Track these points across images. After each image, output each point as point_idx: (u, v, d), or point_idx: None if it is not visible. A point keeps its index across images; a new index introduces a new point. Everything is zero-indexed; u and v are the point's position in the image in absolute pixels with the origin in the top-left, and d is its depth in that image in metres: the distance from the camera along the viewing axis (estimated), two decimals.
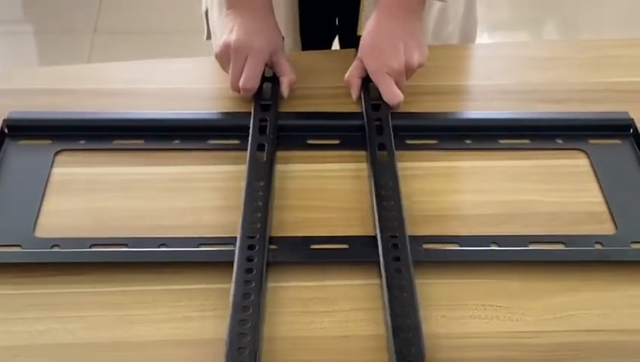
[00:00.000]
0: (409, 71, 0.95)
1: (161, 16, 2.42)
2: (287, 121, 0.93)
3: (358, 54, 0.97)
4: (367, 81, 0.97)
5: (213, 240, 0.80)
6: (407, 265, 0.76)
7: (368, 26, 0.97)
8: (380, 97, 0.95)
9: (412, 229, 0.81)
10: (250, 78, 0.94)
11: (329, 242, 0.80)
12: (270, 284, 0.76)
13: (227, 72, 0.95)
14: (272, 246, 0.79)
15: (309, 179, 0.87)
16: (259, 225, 0.79)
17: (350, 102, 0.96)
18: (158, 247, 0.78)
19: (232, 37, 0.94)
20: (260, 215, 0.80)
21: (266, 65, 0.96)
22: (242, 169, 0.86)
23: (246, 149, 0.88)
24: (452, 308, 0.75)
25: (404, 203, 0.82)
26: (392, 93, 0.94)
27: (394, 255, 0.77)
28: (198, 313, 0.74)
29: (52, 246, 0.79)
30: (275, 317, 0.74)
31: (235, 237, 0.78)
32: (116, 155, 0.90)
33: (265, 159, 0.87)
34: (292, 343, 0.72)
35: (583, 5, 2.63)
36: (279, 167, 0.88)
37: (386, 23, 0.96)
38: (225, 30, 0.96)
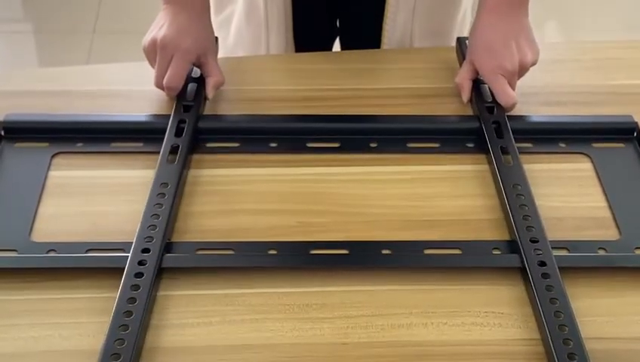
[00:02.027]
0: (522, 70, 0.93)
1: None
2: (289, 124, 0.92)
3: (468, 56, 0.96)
4: (477, 83, 0.96)
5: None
6: (554, 271, 0.75)
7: (476, 26, 0.96)
8: (493, 99, 0.94)
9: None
10: (173, 77, 0.92)
11: (329, 247, 0.79)
12: (269, 290, 0.75)
13: (153, 67, 0.94)
14: (272, 252, 0.78)
15: (309, 183, 0.86)
16: (157, 229, 0.78)
17: (349, 105, 0.95)
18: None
19: (161, 33, 0.93)
20: (160, 218, 0.79)
21: (195, 65, 0.95)
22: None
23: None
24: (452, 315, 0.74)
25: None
26: (506, 95, 0.92)
27: (539, 260, 0.76)
28: (202, 319, 0.73)
29: (48, 251, 0.78)
30: (275, 324, 0.72)
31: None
32: (114, 158, 0.88)
33: (176, 162, 0.85)
34: (292, 349, 0.71)
35: (584, 7, 2.62)
36: (281, 170, 0.87)
37: (495, 21, 0.94)
38: (156, 25, 0.95)
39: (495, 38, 0.94)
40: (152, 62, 0.95)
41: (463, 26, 1.14)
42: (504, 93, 0.92)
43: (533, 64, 0.95)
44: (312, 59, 1.04)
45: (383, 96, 0.97)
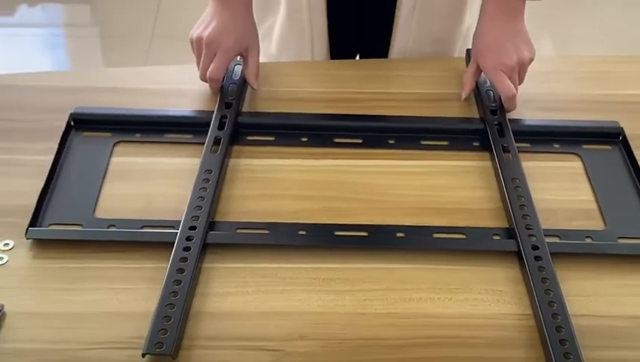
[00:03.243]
0: (522, 66, 0.92)
1: None
2: (318, 122, 0.91)
3: (473, 57, 0.95)
4: (482, 89, 0.95)
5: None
6: (546, 254, 0.74)
7: (478, 31, 0.95)
8: (498, 102, 0.93)
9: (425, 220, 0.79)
10: (215, 71, 0.92)
11: (351, 230, 0.78)
12: (298, 265, 0.75)
13: (199, 61, 0.94)
14: (302, 232, 0.77)
15: (335, 173, 0.85)
16: (202, 209, 0.77)
17: (371, 107, 0.94)
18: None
19: (206, 32, 0.92)
20: (205, 200, 0.78)
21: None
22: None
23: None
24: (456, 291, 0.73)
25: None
26: (506, 87, 0.91)
27: (533, 244, 0.75)
28: (240, 289, 0.73)
29: (109, 226, 0.77)
30: (303, 294, 0.72)
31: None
32: (167, 148, 0.88)
33: (218, 152, 0.85)
34: (317, 317, 0.70)
35: (576, 25, 2.58)
36: (310, 162, 0.86)
37: (494, 26, 0.93)
38: (203, 22, 0.94)
39: (495, 39, 0.93)
40: (197, 57, 0.94)
41: (467, 39, 1.13)
42: (504, 86, 0.91)
43: (531, 61, 0.93)
44: (338, 66, 1.03)
45: (399, 100, 0.96)
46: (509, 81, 0.91)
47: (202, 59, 0.93)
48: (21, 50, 2.46)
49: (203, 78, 0.94)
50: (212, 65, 0.92)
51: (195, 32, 0.94)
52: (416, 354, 0.67)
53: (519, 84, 0.93)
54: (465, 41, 1.09)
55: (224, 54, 0.92)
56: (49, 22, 2.63)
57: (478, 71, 0.95)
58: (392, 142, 0.89)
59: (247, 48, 0.95)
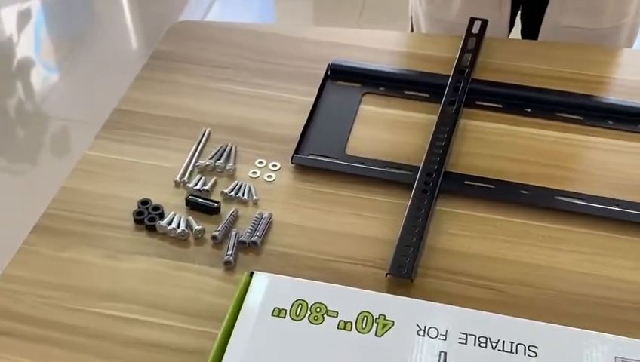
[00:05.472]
0: None
1: None
2: (542, 95, 0.89)
3: None
4: None
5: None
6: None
7: None
8: None
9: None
10: None
11: (568, 196, 0.76)
12: (520, 220, 0.75)
13: None
14: (524, 192, 0.77)
15: (556, 144, 0.83)
16: (438, 159, 0.78)
17: (593, 89, 0.90)
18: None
19: None
20: (441, 152, 0.79)
21: None
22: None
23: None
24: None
25: None
26: None
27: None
28: (466, 233, 0.74)
29: (357, 162, 0.80)
30: (524, 247, 0.72)
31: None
32: (406, 102, 0.89)
33: (453, 112, 0.85)
34: (536, 268, 0.70)
35: None
36: (533, 130, 0.85)
37: None
38: None
39: None
40: None
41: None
42: None
43: None
44: (563, 48, 0.99)
45: (619, 85, 0.91)
46: None
47: None
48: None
49: None
50: None
51: None
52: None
53: None
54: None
55: None
56: None
57: None
58: (611, 122, 0.86)
59: None
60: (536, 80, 0.92)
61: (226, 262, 0.70)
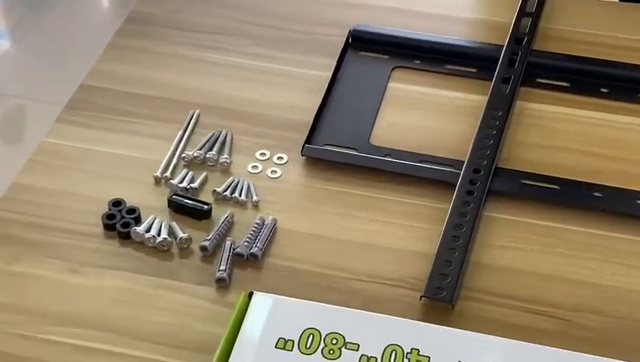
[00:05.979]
0: None
1: None
2: (622, 72, 0.88)
3: None
4: None
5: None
6: None
7: None
8: None
9: None
10: None
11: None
12: (592, 230, 0.74)
13: None
14: (598, 194, 0.76)
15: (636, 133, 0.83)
16: (488, 152, 0.78)
17: None
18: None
19: None
20: (491, 143, 0.79)
21: None
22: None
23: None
24: None
25: None
26: None
27: None
28: (522, 245, 0.73)
29: (384, 155, 0.80)
30: (594, 263, 0.72)
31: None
32: (448, 79, 0.89)
33: (507, 92, 0.84)
34: (607, 290, 0.70)
35: None
36: (610, 116, 0.85)
37: None
38: None
39: None
40: None
41: None
42: None
43: None
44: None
45: None
46: None
47: None
48: None
49: None
50: None
51: None
52: None
53: None
54: None
55: None
56: None
57: None
58: None
59: None
60: (617, 52, 0.91)
61: (219, 280, 0.70)
